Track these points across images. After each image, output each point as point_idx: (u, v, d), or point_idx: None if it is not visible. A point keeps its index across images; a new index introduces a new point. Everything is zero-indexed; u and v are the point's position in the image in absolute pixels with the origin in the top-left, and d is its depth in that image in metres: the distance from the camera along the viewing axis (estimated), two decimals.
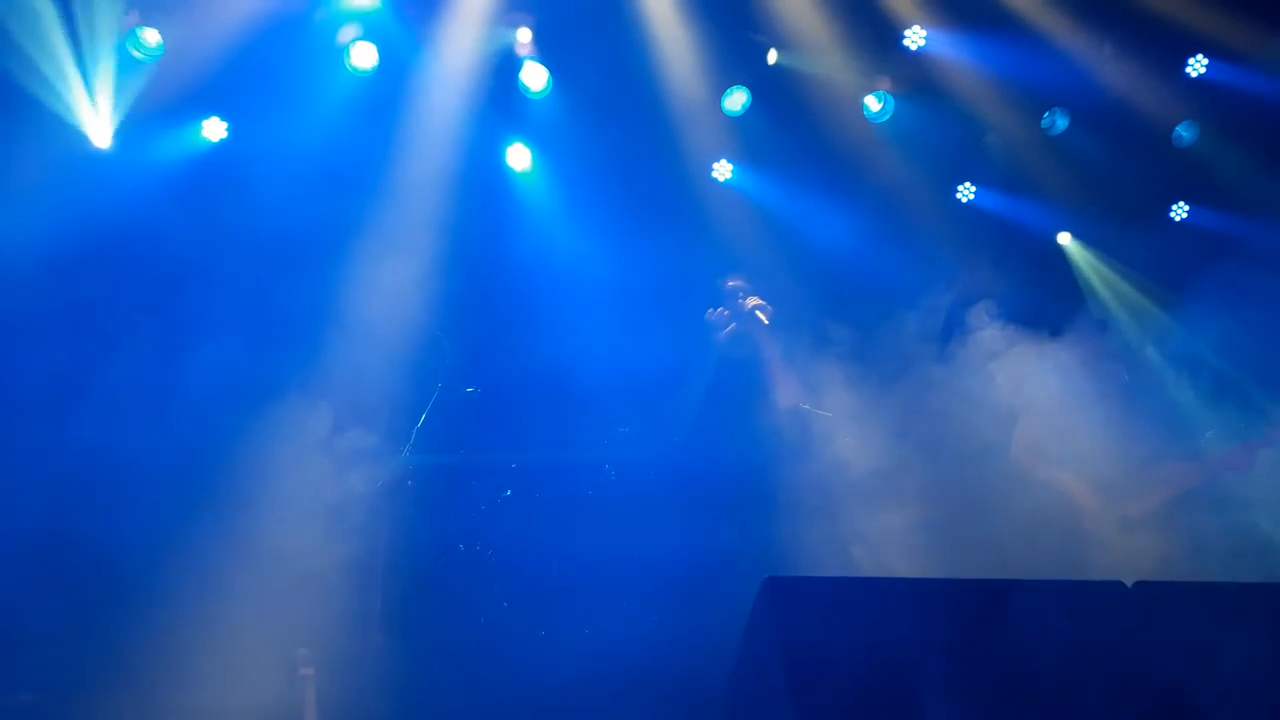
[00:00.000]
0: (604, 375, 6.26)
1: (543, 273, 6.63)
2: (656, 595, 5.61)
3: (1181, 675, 2.84)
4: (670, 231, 6.83)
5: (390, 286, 5.94)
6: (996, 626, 2.95)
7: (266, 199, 6.11)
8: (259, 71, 6.13)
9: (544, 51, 6.70)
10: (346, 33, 6.33)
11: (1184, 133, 7.21)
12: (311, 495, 5.41)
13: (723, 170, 7.08)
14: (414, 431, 5.89)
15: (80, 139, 5.91)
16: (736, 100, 6.99)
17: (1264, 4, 6.62)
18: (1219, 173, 7.21)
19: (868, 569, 5.37)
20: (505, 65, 6.59)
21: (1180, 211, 7.49)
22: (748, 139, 7.01)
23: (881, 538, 5.51)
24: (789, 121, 7.05)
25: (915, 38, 6.88)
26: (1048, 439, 5.51)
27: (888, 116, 7.09)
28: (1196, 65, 7.01)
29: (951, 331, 5.84)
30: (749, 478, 5.92)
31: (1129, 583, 3.02)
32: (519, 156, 6.87)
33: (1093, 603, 3.04)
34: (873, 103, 7.09)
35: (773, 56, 6.91)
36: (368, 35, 6.37)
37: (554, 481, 5.97)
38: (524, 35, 6.56)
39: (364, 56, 6.39)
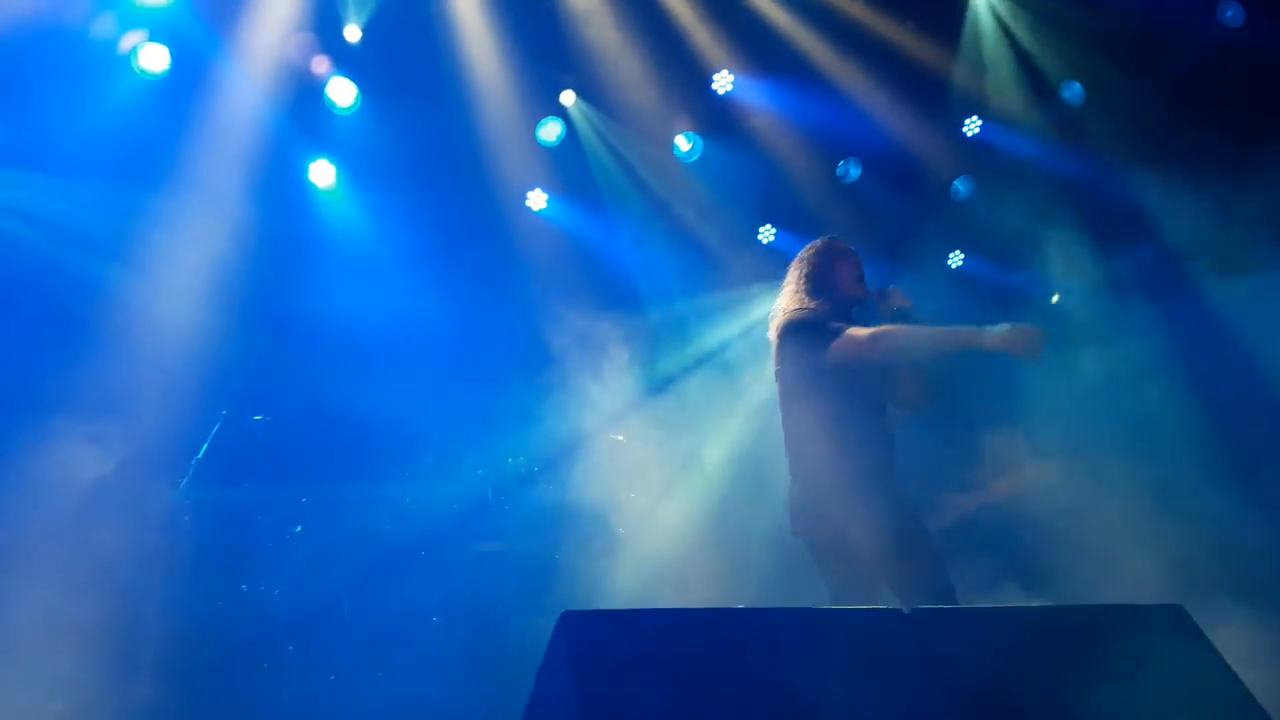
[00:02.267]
0: (407, 403, 5.84)
1: (344, 295, 6.14)
2: (455, 634, 5.24)
3: (954, 698, 2.78)
4: (481, 257, 6.52)
5: (174, 304, 5.34)
6: (801, 656, 2.82)
7: (41, 211, 5.44)
8: (34, 74, 5.43)
9: (355, 69, 6.30)
10: (129, 39, 5.70)
11: (960, 186, 7.54)
12: (74, 532, 4.73)
13: (537, 200, 6.87)
14: (193, 463, 5.27)
15: None
16: (551, 131, 6.81)
17: (1032, 78, 7.03)
18: (990, 224, 7.57)
19: (670, 600, 5.21)
20: (311, 77, 6.12)
21: (957, 259, 7.82)
22: (562, 169, 6.84)
23: (682, 568, 5.38)
24: (603, 155, 6.92)
25: (724, 82, 6.90)
26: None
27: (696, 156, 7.07)
28: (971, 126, 7.36)
29: None
30: (554, 508, 5.67)
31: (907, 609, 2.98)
32: (322, 172, 6.41)
33: (873, 629, 2.96)
34: (682, 142, 7.06)
35: (569, 99, 6.78)
36: (158, 36, 5.78)
37: (349, 515, 5.49)
38: (352, 34, 6.13)
39: (154, 59, 5.79)
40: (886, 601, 3.74)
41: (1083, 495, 5.48)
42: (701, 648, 2.76)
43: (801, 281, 3.92)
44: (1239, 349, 5.68)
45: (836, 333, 3.70)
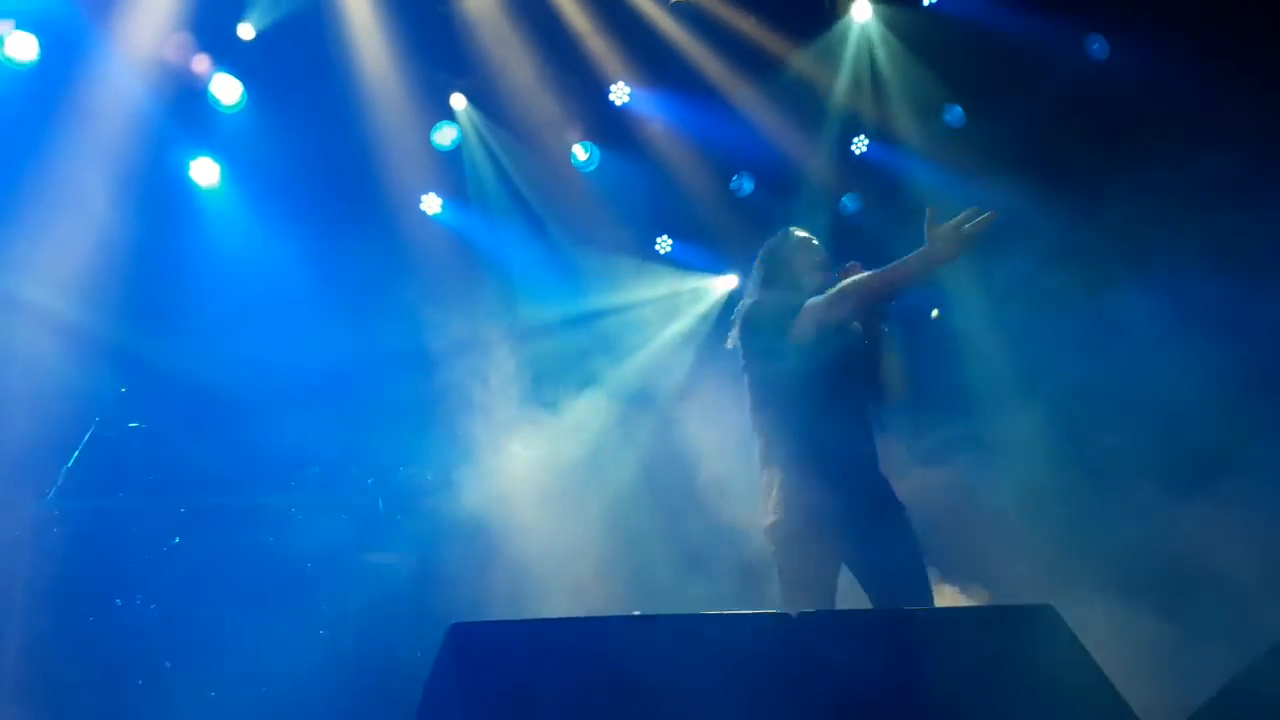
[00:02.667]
0: (294, 412, 5.66)
1: (226, 297, 5.92)
2: (342, 647, 5.09)
3: (837, 700, 2.86)
4: (372, 261, 6.38)
5: (43, 303, 5.06)
6: (691, 662, 2.85)
7: None
8: None
9: (240, 66, 6.10)
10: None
11: (849, 203, 7.76)
12: None
13: (432, 204, 6.79)
14: (64, 471, 4.99)
15: None
16: (446, 135, 6.74)
17: (915, 101, 7.32)
18: (875, 240, 7.81)
19: (561, 610, 5.19)
20: (194, 73, 5.91)
21: None
22: (459, 174, 6.77)
23: (560, 575, 5.37)
24: (494, 161, 6.89)
25: (620, 93, 6.95)
26: (732, 481, 5.62)
27: (594, 166, 7.10)
28: (859, 144, 7.60)
29: None
30: (445, 518, 5.59)
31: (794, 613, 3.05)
32: (205, 171, 6.18)
33: (761, 633, 3.02)
34: (580, 152, 7.08)
35: (459, 102, 6.73)
36: (27, 24, 5.49)
37: (231, 527, 5.26)
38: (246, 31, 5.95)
39: (21, 48, 5.49)
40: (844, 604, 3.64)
41: (963, 500, 5.69)
42: (591, 657, 2.74)
43: (759, 278, 3.80)
44: (1106, 357, 6.01)
45: (796, 309, 3.60)
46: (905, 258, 3.49)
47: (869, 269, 3.63)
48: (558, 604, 5.16)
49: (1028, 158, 6.58)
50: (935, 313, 7.37)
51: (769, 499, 3.68)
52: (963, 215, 3.43)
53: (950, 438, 5.98)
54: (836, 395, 3.66)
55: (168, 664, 4.84)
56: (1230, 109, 5.82)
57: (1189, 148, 5.78)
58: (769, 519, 3.67)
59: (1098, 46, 6.74)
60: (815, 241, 3.84)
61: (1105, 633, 4.28)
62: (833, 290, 3.58)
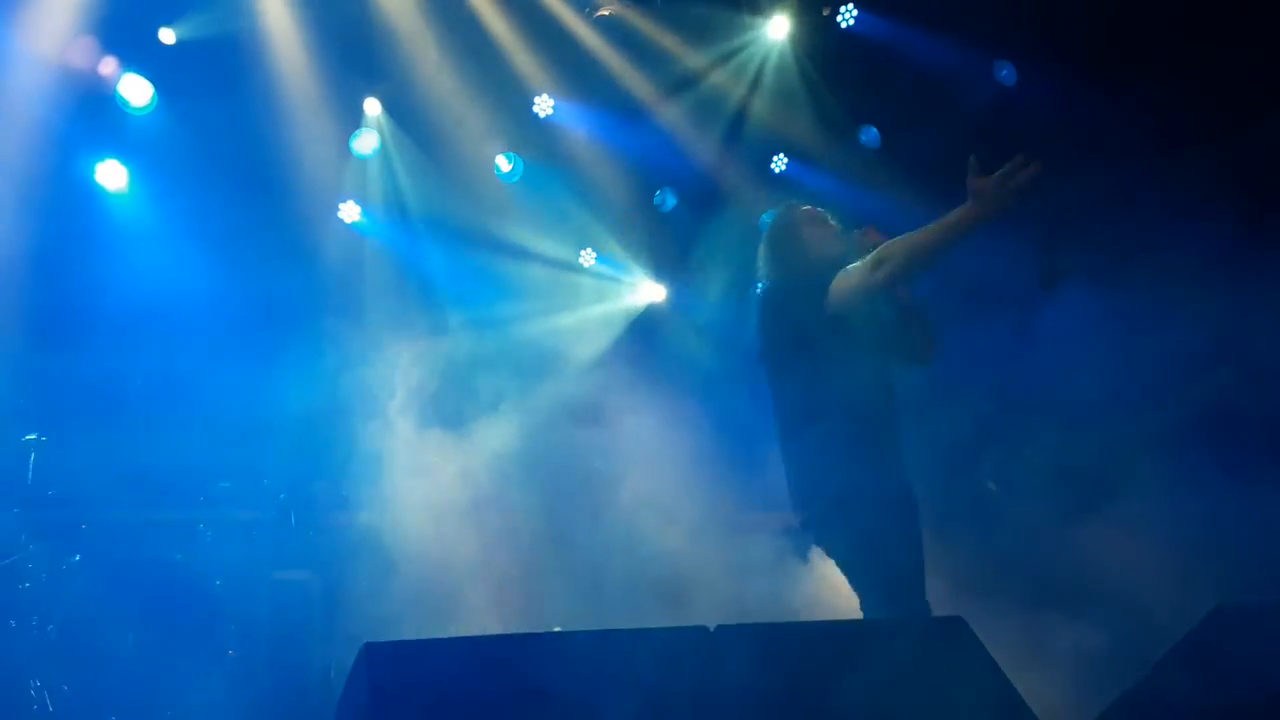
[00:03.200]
0: (202, 421, 5.49)
1: (133, 305, 5.69)
2: (252, 669, 4.95)
3: (751, 713, 2.89)
4: (286, 270, 6.24)
5: None
6: (609, 679, 2.85)
7: None
8: None
9: (151, 67, 5.92)
10: None
11: (767, 220, 7.86)
12: None
13: (350, 212, 6.66)
14: None
15: None
16: (366, 142, 6.63)
17: (831, 121, 7.47)
18: None
19: (478, 628, 5.12)
20: (101, 72, 5.71)
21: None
22: (379, 182, 6.67)
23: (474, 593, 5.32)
24: (418, 170, 6.80)
25: (544, 105, 6.94)
26: (654, 494, 5.64)
27: (518, 178, 7.07)
28: (779, 162, 7.71)
29: None
30: (359, 534, 5.48)
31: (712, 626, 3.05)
32: (112, 174, 5.96)
33: (678, 647, 3.03)
34: (503, 163, 7.04)
35: (373, 107, 6.63)
36: None
37: (135, 544, 5.07)
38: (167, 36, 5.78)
39: None
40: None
41: None
42: (507, 675, 2.72)
43: (773, 260, 3.55)
44: (1016, 370, 6.20)
45: (823, 285, 3.34)
46: (947, 216, 3.23)
47: (884, 235, 3.38)
48: (473, 622, 5.09)
49: (941, 178, 6.75)
50: None
51: (797, 493, 3.47)
52: (1007, 166, 3.17)
53: None
54: (866, 374, 3.42)
55: (66, 688, 4.64)
56: (1126, 131, 6.09)
57: (1091, 166, 6.02)
58: (802, 513, 3.46)
59: (1006, 73, 6.99)
60: (824, 211, 3.61)
61: (1013, 644, 4.39)
62: (871, 256, 3.30)
